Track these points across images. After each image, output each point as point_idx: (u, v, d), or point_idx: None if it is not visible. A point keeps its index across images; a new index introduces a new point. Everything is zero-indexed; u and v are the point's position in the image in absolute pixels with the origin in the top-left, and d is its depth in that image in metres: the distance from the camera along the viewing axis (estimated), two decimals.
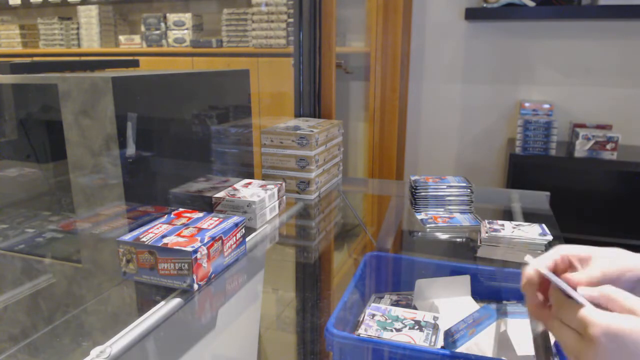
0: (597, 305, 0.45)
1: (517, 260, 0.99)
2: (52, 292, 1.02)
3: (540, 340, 0.55)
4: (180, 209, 1.01)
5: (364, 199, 1.68)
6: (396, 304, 0.87)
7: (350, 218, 1.43)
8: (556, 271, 0.54)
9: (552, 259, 0.54)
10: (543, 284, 0.53)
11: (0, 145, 1.17)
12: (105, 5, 3.46)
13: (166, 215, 0.97)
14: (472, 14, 2.40)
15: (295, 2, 1.63)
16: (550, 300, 0.51)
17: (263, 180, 1.33)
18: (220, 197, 1.15)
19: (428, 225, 1.20)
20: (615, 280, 0.50)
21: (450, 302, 0.83)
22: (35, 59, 3.38)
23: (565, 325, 0.46)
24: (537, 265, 0.52)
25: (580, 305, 0.45)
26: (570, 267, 0.53)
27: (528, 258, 0.54)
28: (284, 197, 1.30)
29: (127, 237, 0.86)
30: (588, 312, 0.44)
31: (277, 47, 2.88)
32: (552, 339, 0.65)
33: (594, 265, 0.51)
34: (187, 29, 3.20)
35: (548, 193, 1.43)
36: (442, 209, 1.28)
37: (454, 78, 2.60)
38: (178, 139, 1.13)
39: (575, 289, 0.48)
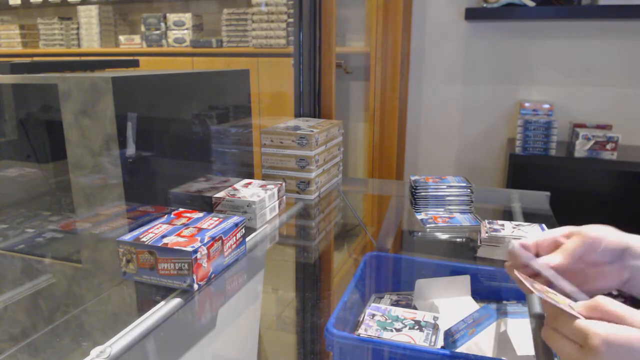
0: (589, 317, 0.46)
1: None
2: (52, 292, 1.02)
3: (540, 340, 0.55)
4: (180, 209, 1.01)
5: (364, 199, 1.68)
6: (396, 304, 0.87)
7: (350, 218, 1.43)
8: (539, 253, 0.57)
9: (535, 239, 0.57)
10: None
11: (0, 145, 1.17)
12: (105, 5, 3.46)
13: (166, 215, 0.97)
14: (472, 14, 2.40)
15: (295, 2, 1.63)
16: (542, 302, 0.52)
17: (263, 180, 1.33)
18: (220, 197, 1.15)
19: (428, 226, 1.20)
20: (590, 251, 0.54)
21: (450, 302, 0.83)
22: (35, 59, 3.38)
23: (563, 336, 0.47)
24: (524, 281, 0.53)
25: (575, 315, 0.46)
26: (556, 247, 0.57)
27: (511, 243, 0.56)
28: (284, 197, 1.30)
29: (127, 237, 0.86)
30: (586, 323, 0.44)
31: (277, 47, 2.88)
32: None
33: (569, 241, 0.55)
34: (187, 29, 3.20)
35: (548, 193, 1.43)
36: (442, 209, 1.28)
37: (454, 78, 2.60)
38: (178, 139, 1.13)
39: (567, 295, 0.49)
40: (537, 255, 0.56)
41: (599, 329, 0.43)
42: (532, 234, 0.58)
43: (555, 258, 0.53)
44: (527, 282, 0.51)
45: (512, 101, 2.53)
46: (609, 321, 0.44)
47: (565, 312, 0.47)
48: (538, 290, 0.49)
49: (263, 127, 1.42)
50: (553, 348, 0.49)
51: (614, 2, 2.16)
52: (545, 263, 0.53)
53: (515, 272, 0.54)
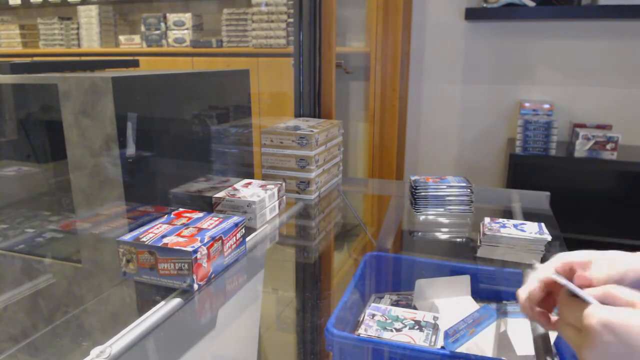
0: (602, 303, 0.46)
1: (516, 260, 0.99)
2: (52, 292, 1.02)
3: (540, 340, 0.55)
4: (180, 209, 1.01)
5: (364, 199, 1.68)
6: (396, 304, 0.87)
7: (350, 218, 1.43)
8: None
9: (553, 266, 0.55)
10: (545, 297, 0.55)
11: (0, 145, 1.17)
12: (105, 5, 3.46)
13: (166, 215, 0.97)
14: (472, 14, 2.40)
15: (295, 2, 1.63)
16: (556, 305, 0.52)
17: (263, 180, 1.33)
18: (220, 197, 1.15)
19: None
20: (618, 282, 0.51)
21: (450, 302, 0.83)
22: (35, 59, 3.38)
23: (567, 322, 0.48)
24: (547, 273, 0.52)
25: (582, 304, 0.46)
26: (571, 273, 0.54)
27: (535, 265, 0.55)
28: (284, 197, 1.30)
29: (127, 237, 0.86)
30: (586, 307, 0.45)
31: (277, 47, 2.88)
32: (552, 339, 0.65)
33: (596, 268, 0.52)
34: (187, 29, 3.20)
35: (548, 193, 1.43)
36: (442, 209, 1.28)
37: (454, 78, 2.60)
38: (178, 139, 1.13)
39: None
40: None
41: (594, 311, 0.44)
42: (546, 267, 0.56)
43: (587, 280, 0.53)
44: (554, 274, 0.52)
45: (512, 101, 2.53)
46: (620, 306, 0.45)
47: (573, 300, 0.48)
48: (564, 280, 0.50)
49: (263, 127, 1.42)
50: (561, 335, 0.50)
51: (614, 2, 2.16)
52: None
53: (553, 276, 0.53)
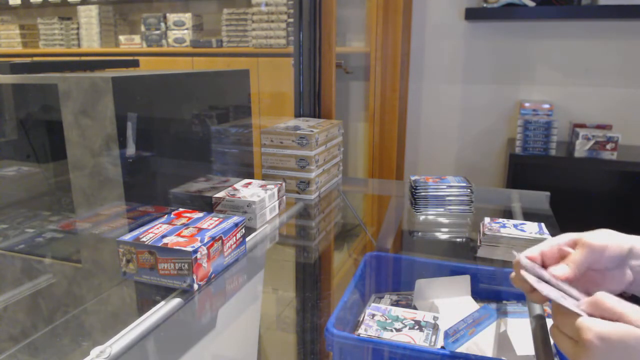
0: (590, 313, 0.47)
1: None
2: (52, 292, 1.02)
3: (540, 340, 0.55)
4: (180, 209, 1.01)
5: (364, 199, 1.68)
6: (396, 304, 0.87)
7: (350, 218, 1.42)
8: (545, 262, 0.55)
9: (539, 250, 0.56)
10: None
11: (0, 145, 1.17)
12: (105, 5, 3.46)
13: (166, 215, 0.97)
14: (472, 14, 2.40)
15: (295, 2, 1.63)
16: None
17: (263, 180, 1.33)
18: (220, 197, 1.15)
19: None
20: (597, 260, 0.53)
21: (450, 302, 0.83)
22: (35, 59, 3.38)
23: (563, 333, 0.48)
24: (528, 278, 0.52)
25: (574, 313, 0.47)
26: (561, 255, 0.55)
27: (516, 255, 0.55)
28: (284, 197, 1.30)
29: (127, 237, 0.86)
30: (581, 319, 0.46)
31: (277, 47, 2.88)
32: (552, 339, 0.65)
33: (575, 251, 0.54)
34: (187, 29, 3.20)
35: (548, 193, 1.43)
36: (442, 209, 1.28)
37: (454, 78, 2.60)
38: (178, 139, 1.13)
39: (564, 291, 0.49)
40: (543, 265, 0.56)
41: (591, 324, 0.44)
42: (536, 245, 0.57)
43: (563, 270, 0.53)
44: (535, 282, 0.51)
45: (512, 101, 2.53)
46: (609, 318, 0.45)
47: (564, 310, 0.48)
48: (546, 290, 0.50)
49: (263, 127, 1.42)
50: (557, 345, 0.50)
51: (614, 2, 2.16)
52: (554, 275, 0.53)
53: (522, 272, 0.53)
